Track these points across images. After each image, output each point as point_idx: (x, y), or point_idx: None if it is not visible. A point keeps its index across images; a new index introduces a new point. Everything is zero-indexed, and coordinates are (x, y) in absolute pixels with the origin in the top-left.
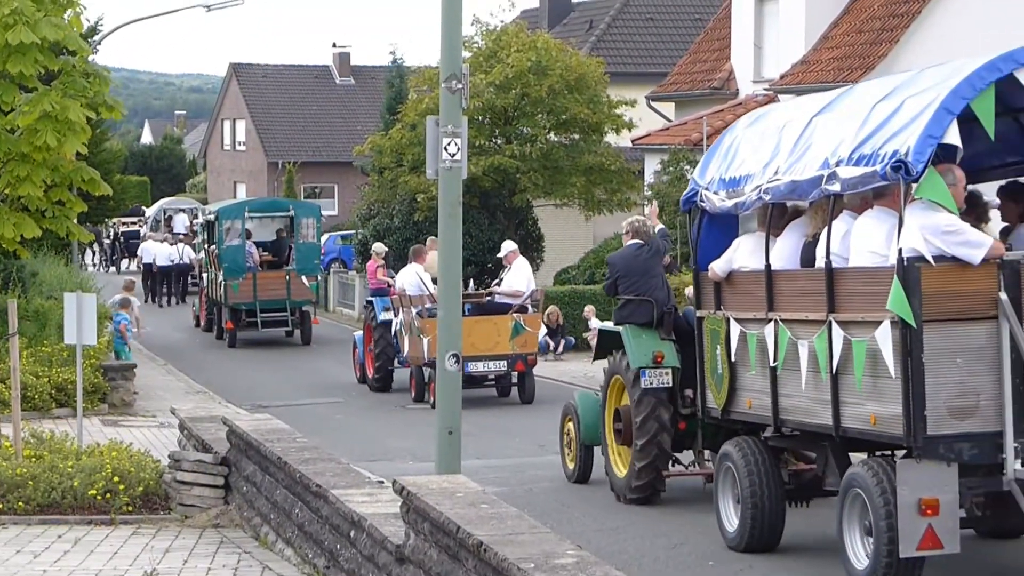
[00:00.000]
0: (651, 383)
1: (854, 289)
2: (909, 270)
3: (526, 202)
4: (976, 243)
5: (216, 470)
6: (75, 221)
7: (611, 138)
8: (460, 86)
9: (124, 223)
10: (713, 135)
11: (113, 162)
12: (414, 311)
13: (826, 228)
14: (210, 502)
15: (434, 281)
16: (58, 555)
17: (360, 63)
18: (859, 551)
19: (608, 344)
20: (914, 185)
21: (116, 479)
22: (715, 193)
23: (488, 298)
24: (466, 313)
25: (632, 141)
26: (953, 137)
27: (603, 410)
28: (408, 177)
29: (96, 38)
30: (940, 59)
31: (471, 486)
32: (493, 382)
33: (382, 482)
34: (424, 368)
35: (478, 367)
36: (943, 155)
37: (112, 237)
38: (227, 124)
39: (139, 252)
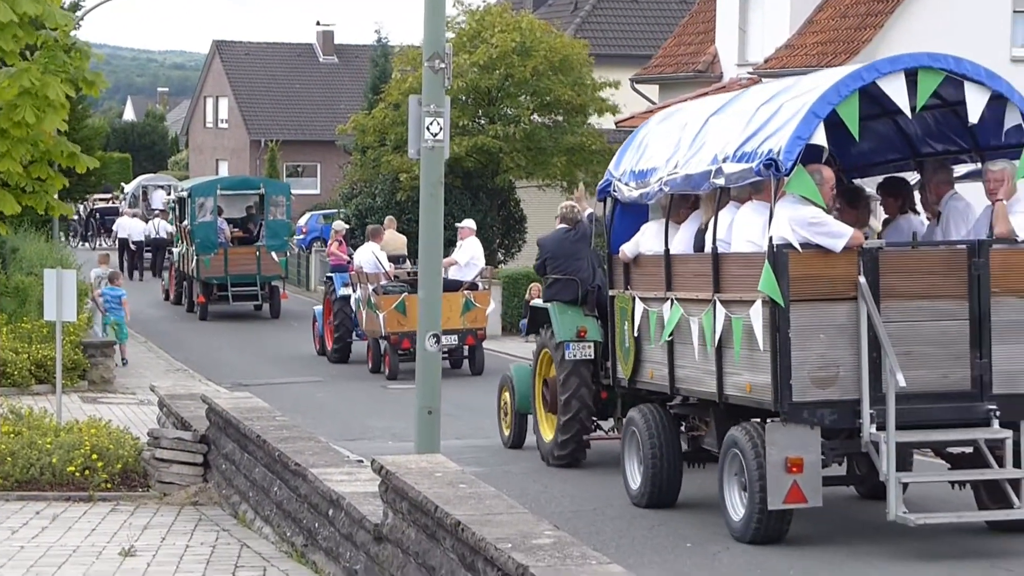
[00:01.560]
0: (575, 355)
1: (734, 272)
2: (778, 256)
3: (509, 183)
4: (837, 233)
5: (195, 448)
6: (56, 197)
7: (595, 120)
8: (443, 66)
9: (99, 199)
10: None
11: (95, 139)
12: (371, 287)
13: (712, 217)
14: (189, 480)
15: (390, 259)
16: (36, 531)
17: (344, 42)
18: (736, 505)
19: (538, 320)
20: (786, 180)
21: (95, 456)
22: (626, 184)
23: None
24: None
25: (616, 123)
26: (820, 138)
27: (533, 380)
28: (391, 157)
29: (78, 14)
30: (924, 44)
31: (450, 466)
32: (446, 355)
33: (361, 461)
34: (380, 341)
35: None
36: (812, 154)
37: (88, 213)
38: (209, 102)
39: (114, 227)
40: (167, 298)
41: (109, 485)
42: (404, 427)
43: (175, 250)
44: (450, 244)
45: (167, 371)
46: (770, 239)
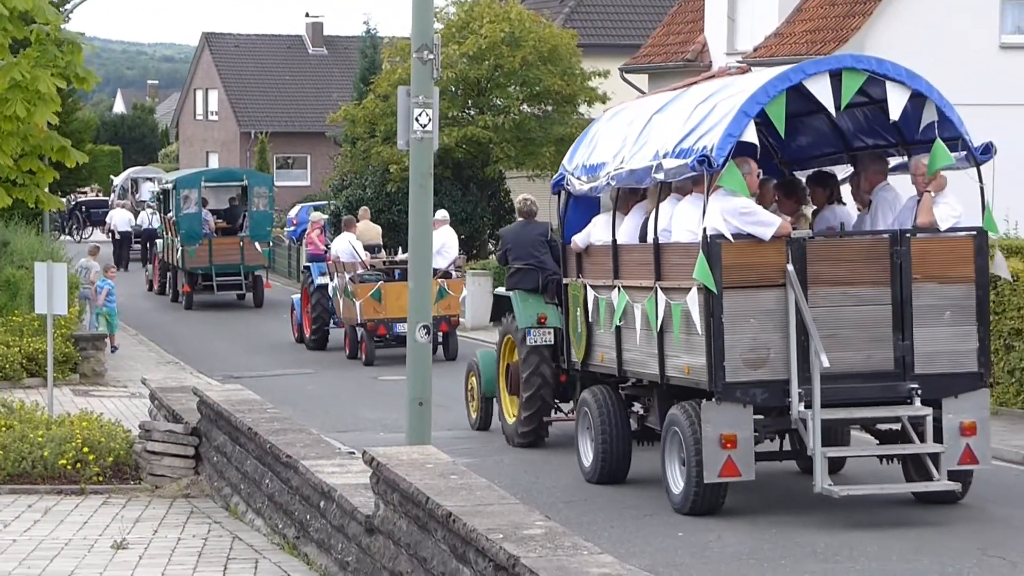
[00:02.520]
0: (535, 341)
1: (674, 261)
2: (712, 246)
3: (499, 173)
4: (767, 222)
5: (186, 440)
6: (46, 190)
7: (584, 110)
8: (431, 57)
9: (82, 192)
10: None
11: (85, 132)
12: (347, 276)
13: (653, 209)
14: (180, 472)
15: (365, 248)
16: (28, 524)
17: (333, 33)
18: (676, 479)
19: (502, 307)
20: (719, 174)
21: (86, 449)
22: (578, 178)
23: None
24: (395, 278)
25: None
26: (750, 136)
27: (497, 365)
28: (381, 148)
29: (68, 7)
30: (913, 32)
31: (441, 457)
32: None
33: (352, 453)
34: (356, 328)
35: (406, 328)
36: (743, 150)
37: (72, 206)
38: (199, 94)
39: (107, 219)
40: (151, 288)
41: (101, 478)
42: (395, 418)
43: (159, 241)
44: None
45: (158, 363)
46: (704, 230)
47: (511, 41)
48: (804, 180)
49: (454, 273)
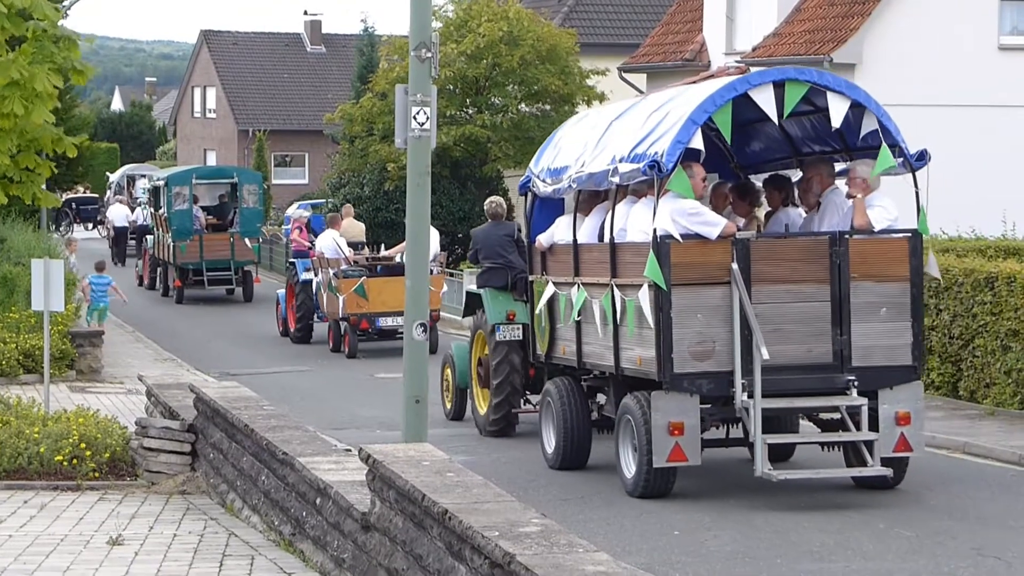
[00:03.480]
0: (505, 336)
1: (628, 259)
2: (661, 245)
3: (497, 172)
4: (713, 223)
5: (183, 437)
6: (43, 187)
7: (583, 109)
8: (430, 55)
9: (73, 190)
10: None
11: (82, 128)
12: (331, 272)
13: (610, 211)
14: (177, 469)
15: (349, 245)
16: (24, 520)
17: (331, 31)
18: (629, 463)
19: (473, 304)
20: (668, 178)
21: (83, 445)
22: (543, 181)
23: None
24: (378, 274)
25: None
26: (697, 142)
27: (469, 358)
28: (379, 146)
29: (66, 3)
30: (911, 34)
31: (437, 454)
32: (400, 335)
33: (349, 450)
34: (340, 322)
35: (388, 322)
36: (691, 155)
37: (63, 203)
38: (197, 91)
39: (106, 215)
40: (140, 283)
41: (97, 474)
42: (392, 416)
43: (149, 237)
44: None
45: (155, 360)
46: (654, 231)
47: (509, 40)
48: (761, 183)
49: (435, 269)
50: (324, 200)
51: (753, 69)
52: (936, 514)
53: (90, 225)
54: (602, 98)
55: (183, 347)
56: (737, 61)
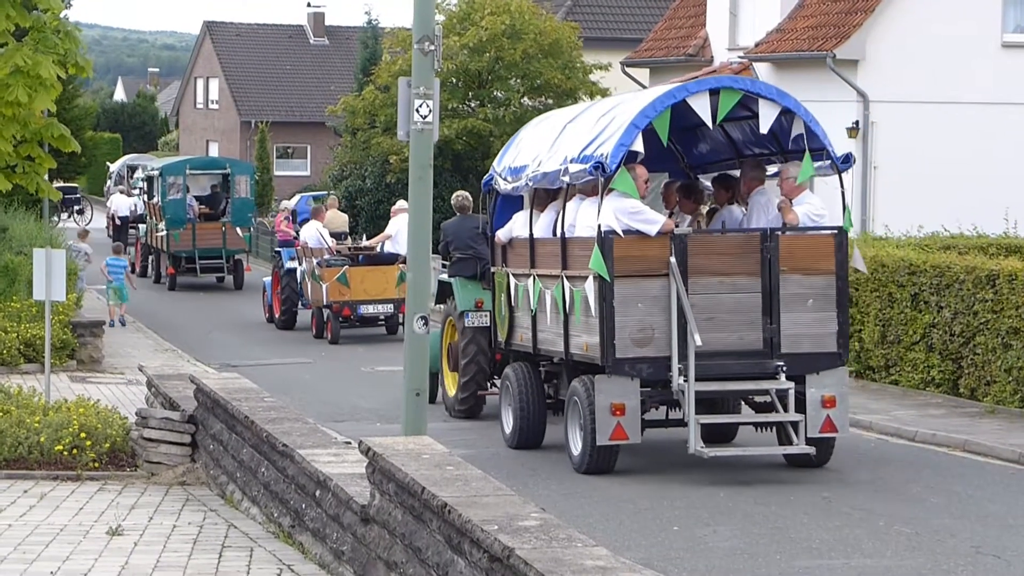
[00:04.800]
0: (473, 323)
1: (576, 253)
2: (605, 240)
3: None
4: (652, 220)
5: (183, 428)
6: (45, 177)
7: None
8: (432, 48)
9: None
10: None
11: (85, 118)
12: (315, 261)
13: (562, 208)
14: (176, 460)
15: (332, 235)
16: (24, 510)
17: (335, 23)
18: (576, 442)
19: (444, 292)
20: (612, 178)
21: (83, 435)
22: (504, 179)
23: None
24: (360, 263)
25: None
26: (638, 145)
27: (440, 344)
28: (381, 139)
29: None
30: (914, 31)
31: (437, 448)
32: (383, 321)
33: (349, 442)
34: (323, 309)
35: (369, 309)
36: (634, 157)
37: None
38: (200, 82)
39: (107, 204)
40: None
41: (97, 464)
42: (392, 409)
43: (141, 226)
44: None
45: (155, 351)
46: (599, 227)
47: (512, 34)
48: (709, 182)
49: None
50: (326, 192)
51: (756, 65)
52: (936, 512)
53: (65, 215)
54: (605, 93)
55: (184, 338)
56: (740, 57)
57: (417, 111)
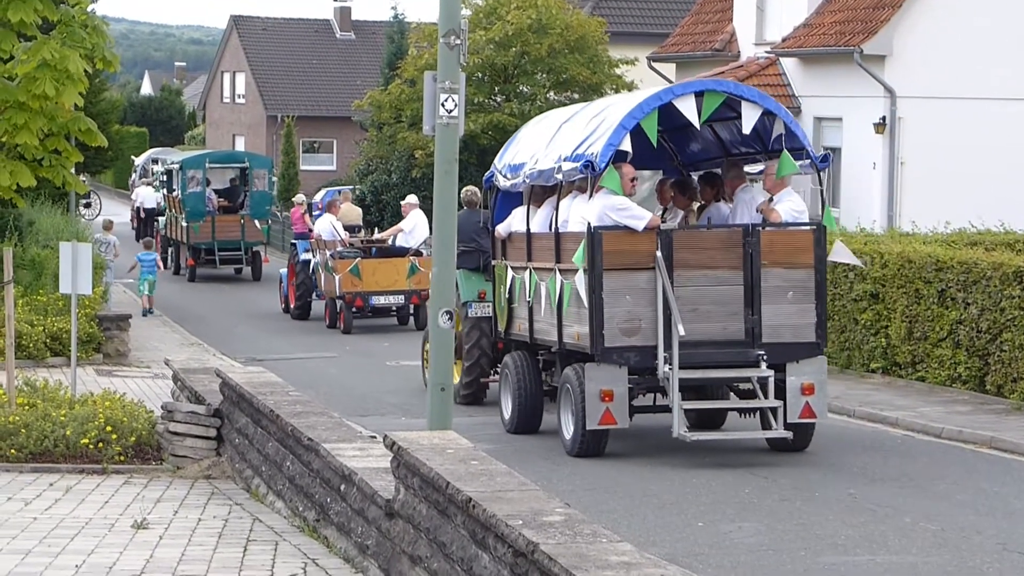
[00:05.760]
0: (476, 313)
1: (569, 247)
2: (595, 235)
3: None
4: (639, 216)
5: (209, 422)
6: (72, 171)
7: None
8: (458, 42)
9: None
10: None
11: (111, 112)
12: (328, 253)
13: (556, 204)
14: (202, 453)
15: (346, 228)
16: (49, 503)
17: (361, 18)
18: (568, 426)
19: None
20: (601, 176)
21: (109, 429)
22: (504, 176)
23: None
24: (372, 255)
25: None
26: (626, 145)
27: None
28: (407, 133)
29: None
30: (942, 25)
31: (462, 442)
32: (394, 312)
33: (374, 437)
34: (336, 300)
35: (381, 300)
36: (622, 156)
37: None
38: (227, 77)
39: (133, 197)
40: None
41: (123, 458)
42: (417, 403)
43: (161, 218)
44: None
45: (181, 344)
46: (588, 223)
47: (538, 28)
48: (696, 179)
49: (424, 252)
50: (352, 187)
51: (783, 60)
52: (962, 509)
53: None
54: (631, 87)
55: (210, 332)
56: (767, 52)
57: (443, 105)
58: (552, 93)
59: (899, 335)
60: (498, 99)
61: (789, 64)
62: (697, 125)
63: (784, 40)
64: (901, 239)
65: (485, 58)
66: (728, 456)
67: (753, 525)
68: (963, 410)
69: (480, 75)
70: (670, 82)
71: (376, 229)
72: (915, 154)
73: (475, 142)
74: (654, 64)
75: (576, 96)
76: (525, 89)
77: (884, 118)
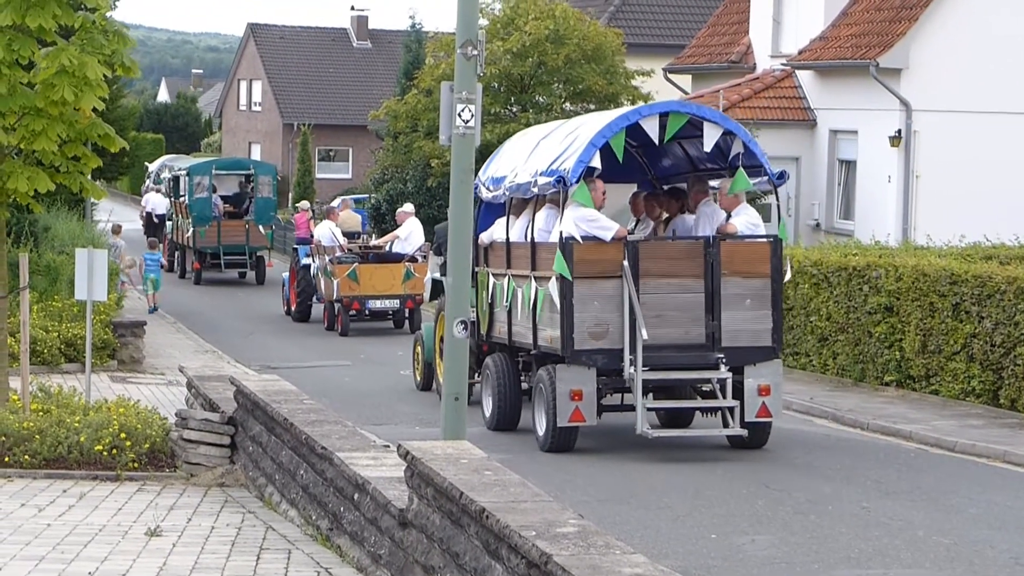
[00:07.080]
0: None
1: (543, 256)
2: (566, 245)
3: None
4: (607, 228)
5: (222, 429)
6: (89, 177)
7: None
8: (475, 52)
9: None
10: (729, 109)
11: (128, 119)
12: (327, 258)
13: (532, 216)
14: (216, 461)
15: (345, 235)
16: (63, 509)
17: (378, 27)
18: (541, 423)
19: (438, 289)
20: (572, 191)
21: (123, 435)
22: (487, 187)
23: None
24: (369, 261)
25: None
26: (596, 162)
27: (434, 336)
28: (423, 143)
29: None
30: (959, 39)
31: (475, 452)
32: (390, 316)
33: (387, 446)
34: (334, 304)
35: (377, 304)
36: (592, 171)
37: None
38: (243, 84)
39: (143, 202)
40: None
41: (136, 465)
42: (431, 412)
43: (168, 223)
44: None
45: (196, 352)
46: (560, 234)
47: (555, 39)
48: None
49: (419, 258)
50: (368, 195)
51: (799, 73)
52: (975, 523)
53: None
54: (647, 98)
55: (224, 339)
56: (782, 64)
57: (459, 116)
58: (568, 103)
59: (913, 348)
60: (514, 109)
61: (805, 77)
62: (657, 143)
63: (800, 53)
64: (916, 252)
65: (502, 68)
66: (742, 470)
67: (766, 538)
68: (977, 424)
69: (497, 85)
70: (686, 93)
71: (373, 235)
72: (930, 167)
73: (491, 152)
74: (670, 76)
75: (592, 107)
76: (541, 99)
77: (900, 131)
